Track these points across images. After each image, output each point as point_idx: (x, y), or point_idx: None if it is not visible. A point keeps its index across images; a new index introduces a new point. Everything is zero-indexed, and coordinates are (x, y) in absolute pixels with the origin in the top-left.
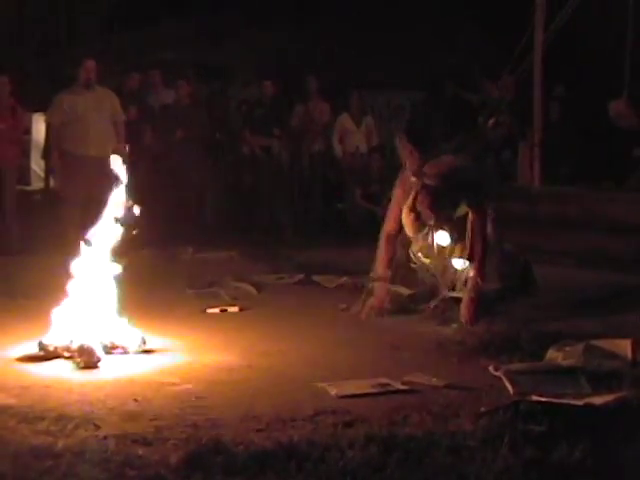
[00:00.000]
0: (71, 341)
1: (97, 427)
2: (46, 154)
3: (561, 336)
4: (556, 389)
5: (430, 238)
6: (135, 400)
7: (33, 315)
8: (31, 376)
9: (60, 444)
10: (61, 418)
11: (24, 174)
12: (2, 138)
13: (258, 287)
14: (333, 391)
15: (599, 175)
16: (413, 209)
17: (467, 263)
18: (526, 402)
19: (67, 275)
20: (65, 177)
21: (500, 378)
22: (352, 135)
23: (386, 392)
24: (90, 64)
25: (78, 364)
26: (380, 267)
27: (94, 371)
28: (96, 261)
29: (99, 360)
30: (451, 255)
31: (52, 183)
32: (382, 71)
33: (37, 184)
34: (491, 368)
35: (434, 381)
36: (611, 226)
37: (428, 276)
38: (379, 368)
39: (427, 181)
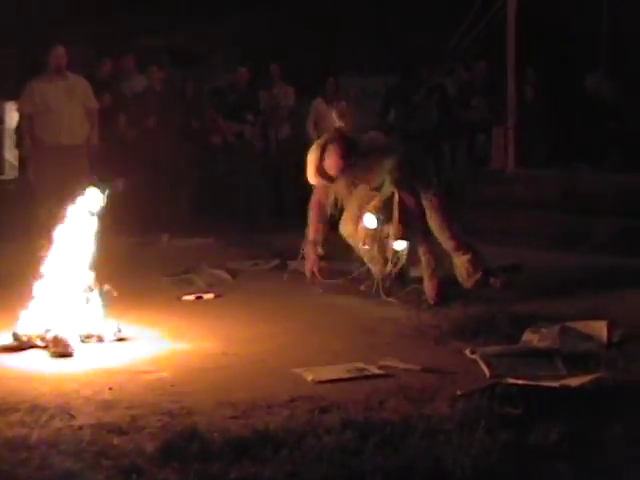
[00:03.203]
0: (45, 331)
1: (72, 417)
2: (19, 143)
3: (537, 318)
4: (532, 371)
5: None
6: (110, 389)
7: (6, 304)
8: (4, 366)
9: (34, 435)
10: (35, 409)
11: None
12: None
13: (233, 273)
14: (309, 377)
15: (573, 157)
16: (319, 167)
17: (406, 244)
18: (502, 385)
19: (40, 264)
20: (38, 166)
21: (476, 361)
22: (327, 119)
23: (362, 377)
24: (59, 51)
25: (52, 354)
26: (311, 232)
27: (69, 361)
28: (70, 249)
29: (74, 350)
30: (387, 238)
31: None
32: (357, 55)
33: (11, 173)
34: (467, 351)
35: (410, 365)
36: (586, 208)
37: (367, 257)
38: (355, 353)
39: (342, 128)
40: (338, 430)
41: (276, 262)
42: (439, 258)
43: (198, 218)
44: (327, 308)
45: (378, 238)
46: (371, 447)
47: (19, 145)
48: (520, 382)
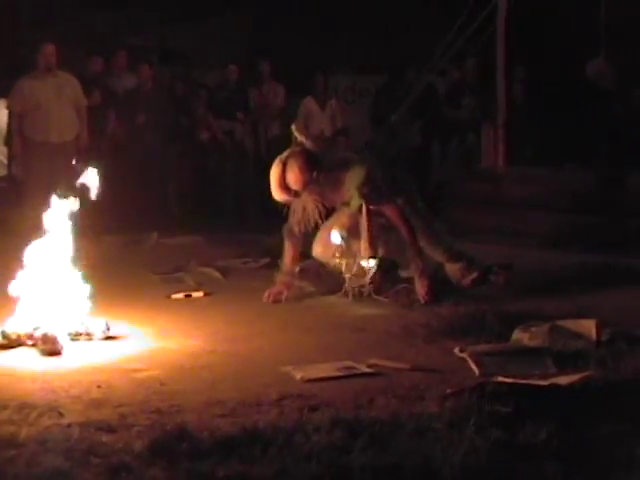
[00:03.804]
0: (34, 329)
1: (61, 415)
2: (8, 141)
3: (527, 317)
4: (522, 370)
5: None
6: (99, 387)
7: None
8: None
9: (23, 433)
10: (24, 407)
11: None
12: None
13: (223, 272)
14: (298, 375)
15: (563, 155)
16: (282, 182)
17: (374, 262)
18: (492, 383)
19: (29, 262)
20: (27, 164)
21: (466, 359)
22: (317, 118)
23: (351, 375)
24: (49, 49)
25: (41, 352)
26: (287, 262)
27: (58, 359)
28: (58, 247)
29: (63, 347)
30: (358, 255)
31: (14, 170)
32: (347, 54)
33: (0, 171)
34: (457, 350)
35: (399, 364)
36: (576, 207)
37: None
38: (344, 351)
39: (304, 142)
40: (327, 428)
41: (266, 260)
42: (429, 259)
43: (187, 216)
44: (316, 307)
45: (348, 253)
46: (360, 445)
47: (9, 143)
48: (510, 381)
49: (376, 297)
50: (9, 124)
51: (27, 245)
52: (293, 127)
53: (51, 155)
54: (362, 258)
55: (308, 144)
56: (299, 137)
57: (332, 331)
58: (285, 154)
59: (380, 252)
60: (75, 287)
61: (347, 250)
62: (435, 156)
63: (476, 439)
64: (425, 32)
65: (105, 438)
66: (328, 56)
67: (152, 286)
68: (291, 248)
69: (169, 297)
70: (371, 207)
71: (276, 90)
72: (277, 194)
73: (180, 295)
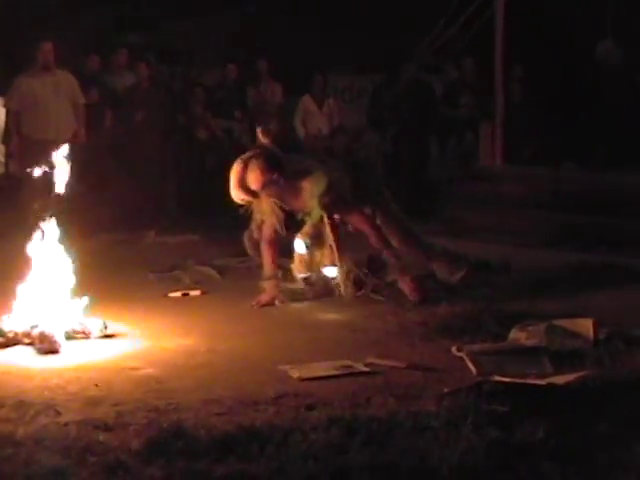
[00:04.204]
0: (31, 327)
1: (58, 413)
2: (6, 139)
3: (524, 316)
4: (519, 369)
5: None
6: (96, 385)
7: None
8: None
9: (20, 431)
10: (21, 405)
11: None
12: None
13: (220, 271)
14: (295, 374)
15: (561, 154)
16: (241, 181)
17: (335, 269)
18: (489, 382)
19: (26, 260)
20: (25, 162)
21: (463, 359)
22: (314, 117)
23: (349, 374)
24: (47, 46)
25: (39, 350)
26: (268, 268)
27: (55, 357)
28: (55, 245)
29: (60, 346)
30: (320, 264)
31: (11, 168)
32: (344, 53)
33: None
34: (454, 349)
35: (396, 363)
36: (574, 206)
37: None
38: (341, 350)
39: (266, 144)
40: (324, 427)
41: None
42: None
43: (185, 215)
44: (313, 306)
45: (311, 263)
46: (357, 444)
47: (6, 141)
48: (507, 380)
49: (373, 296)
50: (7, 122)
51: (25, 244)
52: (258, 130)
53: (49, 153)
54: (324, 266)
55: (271, 146)
56: (262, 139)
57: (329, 330)
58: (247, 154)
59: (347, 260)
60: (72, 286)
61: (310, 259)
62: (433, 155)
63: (473, 438)
64: (425, 32)
65: (102, 436)
66: (327, 55)
67: (149, 285)
68: (266, 253)
69: (166, 296)
70: (335, 216)
71: (274, 89)
72: (235, 193)
73: (177, 294)
